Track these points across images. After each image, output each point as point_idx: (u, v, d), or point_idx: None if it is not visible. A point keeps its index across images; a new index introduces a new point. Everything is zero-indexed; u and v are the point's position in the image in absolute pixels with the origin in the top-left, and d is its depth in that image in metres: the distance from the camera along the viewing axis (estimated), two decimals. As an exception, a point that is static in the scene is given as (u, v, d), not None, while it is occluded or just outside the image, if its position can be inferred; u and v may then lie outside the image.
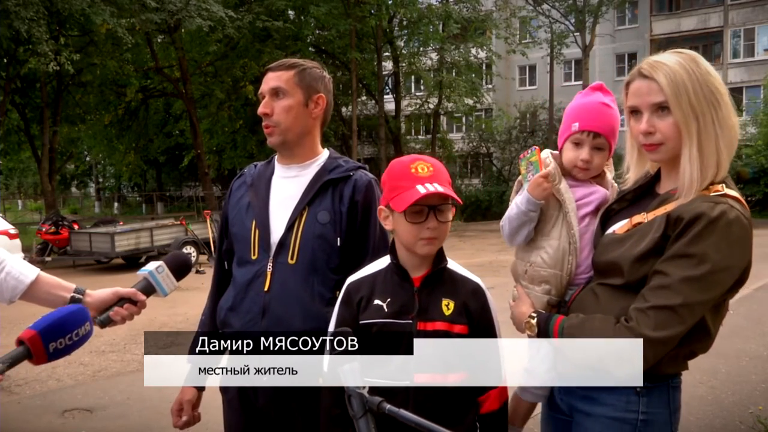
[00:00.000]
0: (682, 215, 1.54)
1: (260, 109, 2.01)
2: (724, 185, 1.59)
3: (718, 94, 1.60)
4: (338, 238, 1.96)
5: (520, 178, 1.95)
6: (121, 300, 1.77)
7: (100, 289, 1.80)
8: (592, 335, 1.60)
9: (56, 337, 1.47)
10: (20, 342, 1.45)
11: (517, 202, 1.83)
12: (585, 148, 1.84)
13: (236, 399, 2.03)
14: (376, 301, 1.73)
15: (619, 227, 1.72)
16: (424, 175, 1.70)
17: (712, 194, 1.56)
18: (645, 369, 1.57)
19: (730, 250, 1.52)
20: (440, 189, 1.66)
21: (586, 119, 1.84)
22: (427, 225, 1.69)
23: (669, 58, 1.63)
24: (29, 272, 1.76)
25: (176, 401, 2.12)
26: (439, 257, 1.77)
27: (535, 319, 1.74)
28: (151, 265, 1.82)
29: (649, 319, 1.53)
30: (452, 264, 1.81)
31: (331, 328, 1.80)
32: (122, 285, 1.85)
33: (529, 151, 1.87)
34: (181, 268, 1.86)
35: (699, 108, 1.58)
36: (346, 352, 1.34)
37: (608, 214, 1.81)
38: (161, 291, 1.82)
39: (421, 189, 1.66)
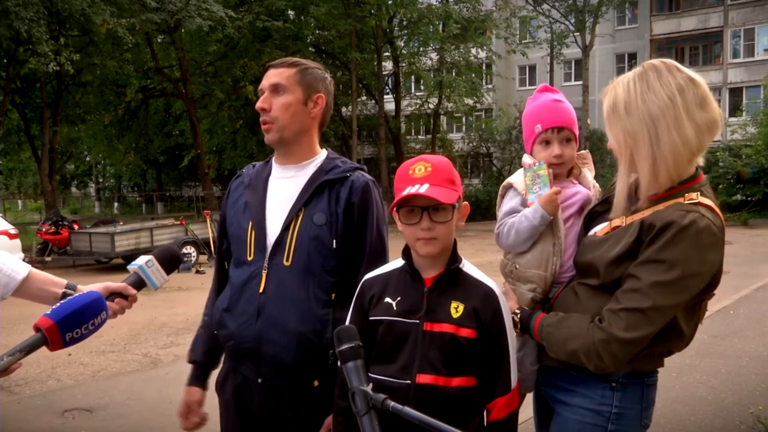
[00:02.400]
0: (654, 222, 1.60)
1: (258, 104, 1.99)
2: (699, 194, 1.64)
3: (656, 109, 1.63)
4: (334, 240, 1.93)
5: (505, 183, 1.99)
6: (111, 295, 1.76)
7: (90, 285, 1.80)
8: (567, 333, 1.69)
9: (73, 327, 1.48)
10: (37, 329, 1.46)
11: (528, 216, 1.85)
12: (554, 144, 1.92)
13: (232, 401, 2.03)
14: (387, 299, 1.74)
15: (599, 229, 1.79)
16: (419, 176, 1.69)
17: (686, 203, 1.62)
18: (619, 367, 1.66)
19: (700, 257, 1.58)
20: (421, 191, 1.64)
21: (547, 118, 1.93)
22: (421, 226, 1.68)
23: (625, 77, 1.72)
24: (20, 269, 1.76)
25: (183, 404, 2.11)
26: (453, 258, 1.76)
27: (518, 315, 1.83)
28: (141, 260, 1.82)
29: (620, 321, 1.60)
30: (468, 266, 1.79)
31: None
32: (122, 285, 1.84)
33: (537, 164, 1.89)
34: (170, 262, 1.85)
35: (630, 129, 1.66)
36: (350, 350, 1.33)
37: (592, 215, 1.88)
38: (151, 285, 1.82)
39: (406, 191, 1.67)
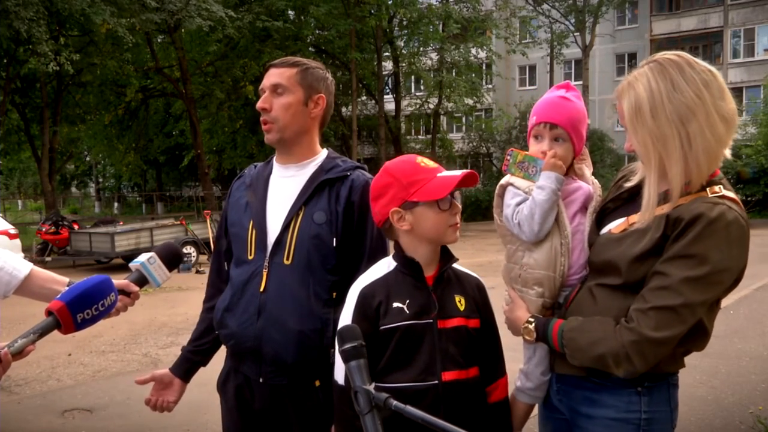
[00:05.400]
0: (681, 216, 1.53)
1: (259, 104, 2.00)
2: (721, 186, 1.59)
3: (686, 110, 1.55)
4: (334, 239, 1.93)
5: (503, 182, 1.93)
6: None
7: None
8: (592, 337, 1.60)
9: (83, 308, 1.51)
10: (49, 312, 1.49)
11: (543, 185, 1.78)
12: (545, 140, 1.86)
13: (233, 400, 2.03)
14: (396, 304, 1.71)
15: (614, 226, 1.72)
16: (433, 166, 1.75)
17: (710, 195, 1.56)
18: (646, 369, 1.58)
19: (730, 251, 1.52)
20: (467, 170, 1.72)
21: (543, 112, 1.87)
22: (454, 211, 1.73)
23: (642, 75, 1.62)
24: (23, 267, 1.78)
25: (150, 375, 2.16)
26: (446, 255, 1.79)
27: (533, 324, 1.74)
28: (143, 257, 1.83)
29: (650, 320, 1.52)
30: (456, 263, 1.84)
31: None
32: (122, 285, 1.84)
33: (509, 157, 1.86)
34: (172, 259, 1.87)
35: (659, 133, 1.58)
36: (353, 349, 1.33)
37: (603, 212, 1.81)
38: (154, 281, 1.83)
39: (455, 173, 1.71)
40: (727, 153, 1.63)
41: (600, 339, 1.59)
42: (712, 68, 1.61)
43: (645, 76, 1.61)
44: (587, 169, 1.94)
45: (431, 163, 1.76)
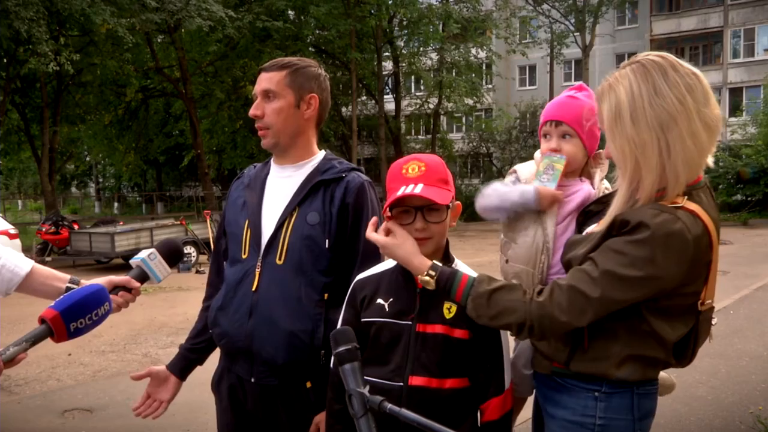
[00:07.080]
0: (626, 218, 1.50)
1: (251, 111, 2.00)
2: (686, 197, 1.51)
3: (667, 116, 1.49)
4: (327, 240, 1.93)
5: (512, 168, 1.97)
6: (115, 288, 1.78)
7: (93, 279, 1.81)
8: (498, 306, 1.56)
9: (77, 317, 1.51)
10: (42, 320, 1.48)
11: (518, 190, 1.82)
12: (553, 138, 1.89)
13: (227, 400, 2.04)
14: (379, 300, 1.73)
15: (590, 229, 1.70)
16: (412, 175, 1.69)
17: (666, 204, 1.51)
18: (540, 339, 1.63)
19: (665, 261, 1.46)
20: (416, 191, 1.64)
21: (550, 111, 1.92)
22: (415, 226, 1.68)
23: (624, 77, 1.56)
24: (24, 264, 1.78)
25: (146, 370, 2.17)
26: (446, 258, 1.76)
27: (435, 274, 1.63)
28: (144, 253, 1.84)
29: (562, 298, 1.51)
30: (461, 265, 1.79)
31: (339, 325, 1.79)
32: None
33: (558, 156, 1.85)
34: (172, 255, 1.88)
35: (638, 140, 1.51)
36: (347, 352, 1.33)
37: (586, 215, 1.81)
38: (155, 277, 1.84)
39: (397, 194, 1.66)
40: (710, 161, 1.57)
41: (508, 310, 1.56)
42: (697, 71, 1.55)
43: (627, 78, 1.55)
44: (599, 175, 1.93)
45: (414, 171, 1.69)
